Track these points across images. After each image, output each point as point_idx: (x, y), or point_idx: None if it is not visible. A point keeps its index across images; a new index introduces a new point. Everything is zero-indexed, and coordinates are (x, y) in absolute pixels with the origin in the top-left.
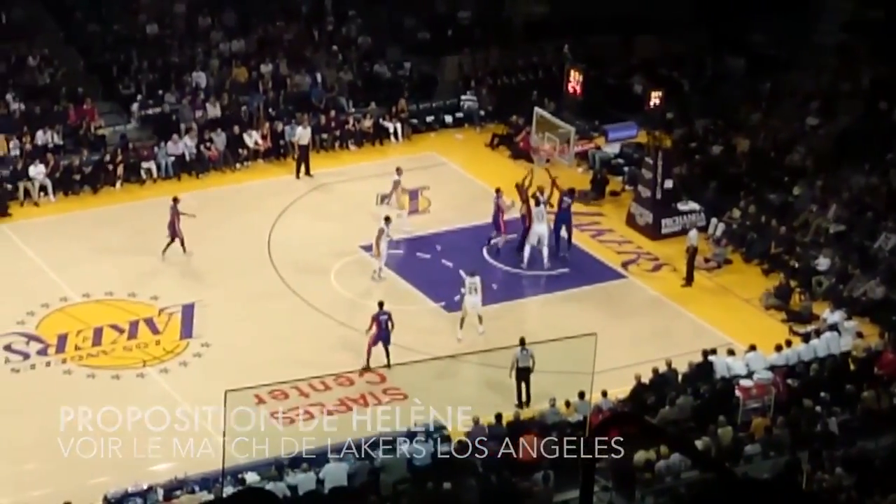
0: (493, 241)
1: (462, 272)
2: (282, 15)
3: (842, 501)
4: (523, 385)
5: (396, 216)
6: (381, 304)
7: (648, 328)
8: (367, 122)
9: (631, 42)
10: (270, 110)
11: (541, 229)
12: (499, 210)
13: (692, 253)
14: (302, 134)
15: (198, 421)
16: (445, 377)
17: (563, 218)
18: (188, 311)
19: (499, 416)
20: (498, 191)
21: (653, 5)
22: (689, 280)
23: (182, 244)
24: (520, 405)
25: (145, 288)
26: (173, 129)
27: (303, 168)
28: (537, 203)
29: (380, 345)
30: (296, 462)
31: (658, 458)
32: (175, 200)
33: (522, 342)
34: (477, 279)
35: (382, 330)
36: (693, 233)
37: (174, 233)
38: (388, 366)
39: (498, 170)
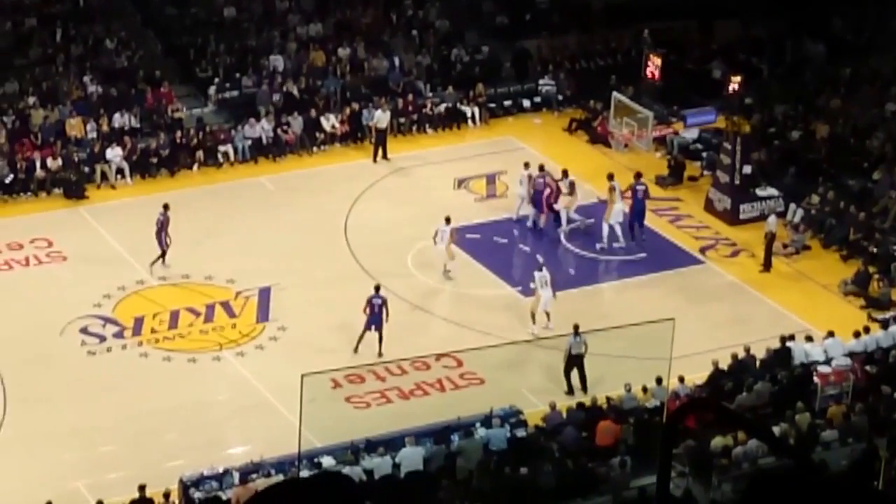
0: (574, 225)
1: (538, 264)
2: None
3: None
4: (576, 372)
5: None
6: (377, 288)
7: (726, 314)
8: (444, 107)
9: (710, 27)
10: (348, 94)
11: (619, 207)
12: (543, 189)
13: (770, 239)
14: (380, 118)
15: (273, 404)
16: (523, 362)
17: (637, 204)
18: (265, 295)
19: (580, 403)
20: (542, 168)
21: None
22: (767, 266)
23: (164, 255)
24: (570, 392)
25: (222, 271)
26: (250, 112)
27: (380, 152)
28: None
29: (373, 329)
30: (372, 446)
31: (735, 444)
32: (165, 208)
33: (576, 329)
34: (546, 273)
35: (374, 314)
36: (772, 219)
37: (162, 242)
38: (380, 353)
39: (575, 154)
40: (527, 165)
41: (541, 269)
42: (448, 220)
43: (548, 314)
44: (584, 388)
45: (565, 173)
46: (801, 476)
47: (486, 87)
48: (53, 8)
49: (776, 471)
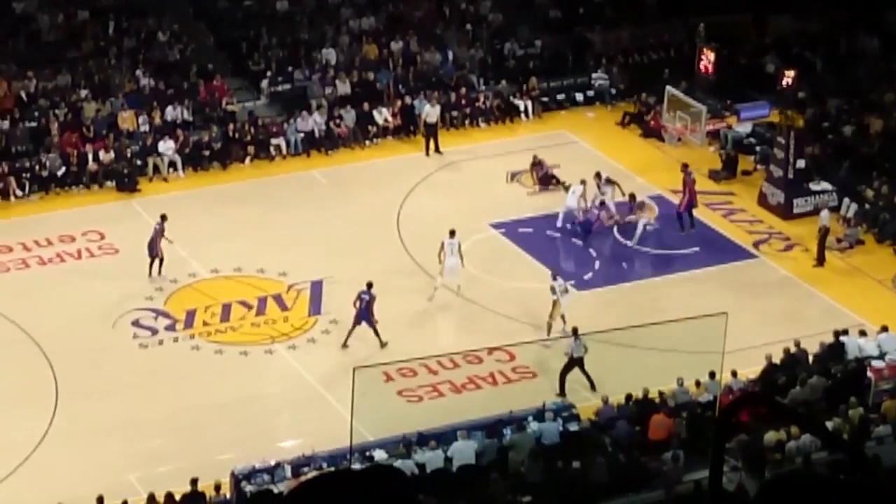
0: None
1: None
2: None
3: None
4: (580, 375)
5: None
6: (369, 285)
7: (779, 308)
8: (497, 100)
9: (764, 21)
10: (400, 87)
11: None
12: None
13: (824, 233)
14: (431, 112)
15: (325, 397)
16: None
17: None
18: (317, 288)
19: (629, 395)
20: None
21: None
22: (820, 261)
23: (159, 265)
24: (562, 394)
25: (274, 264)
26: (303, 105)
27: (432, 146)
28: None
29: (362, 324)
30: (424, 440)
31: (788, 438)
32: (163, 218)
33: (575, 332)
34: (562, 281)
35: (362, 310)
36: (825, 213)
37: (154, 251)
38: (382, 344)
39: (629, 148)
40: (599, 175)
41: (555, 279)
42: (452, 233)
43: (563, 317)
44: (593, 388)
45: (598, 175)
46: (814, 477)
47: (539, 81)
48: (106, 1)
49: (791, 473)
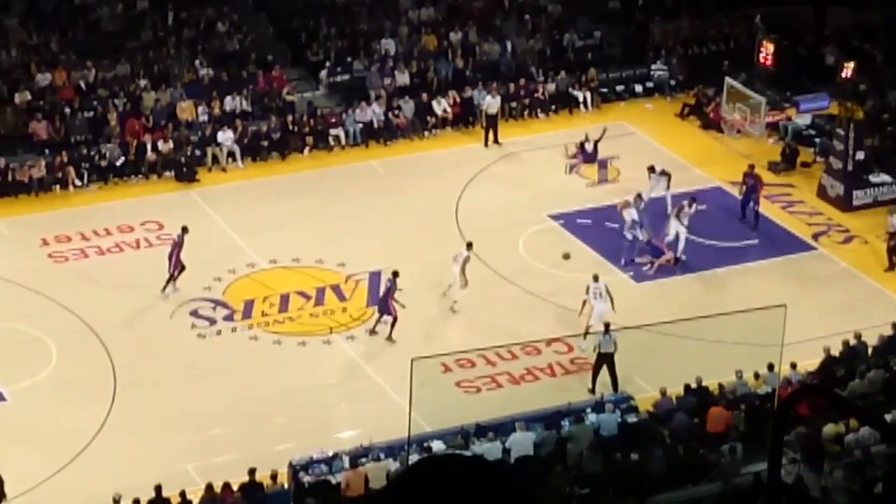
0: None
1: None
2: None
3: None
4: (605, 369)
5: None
6: (395, 273)
7: (838, 300)
8: (556, 91)
9: (824, 12)
10: (460, 78)
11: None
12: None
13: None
14: (491, 103)
15: (383, 388)
16: (634, 348)
17: (747, 193)
18: (375, 279)
19: (687, 387)
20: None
21: None
22: (891, 266)
23: (175, 278)
24: (593, 391)
25: (332, 255)
26: (362, 96)
27: (491, 136)
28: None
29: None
30: (482, 431)
31: (847, 431)
32: (184, 230)
33: (607, 328)
34: (601, 284)
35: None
36: (894, 219)
37: (177, 263)
38: (389, 337)
39: (687, 140)
40: (652, 169)
41: (596, 280)
42: (469, 246)
43: (606, 325)
44: (615, 387)
45: (652, 168)
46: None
47: (598, 72)
48: None
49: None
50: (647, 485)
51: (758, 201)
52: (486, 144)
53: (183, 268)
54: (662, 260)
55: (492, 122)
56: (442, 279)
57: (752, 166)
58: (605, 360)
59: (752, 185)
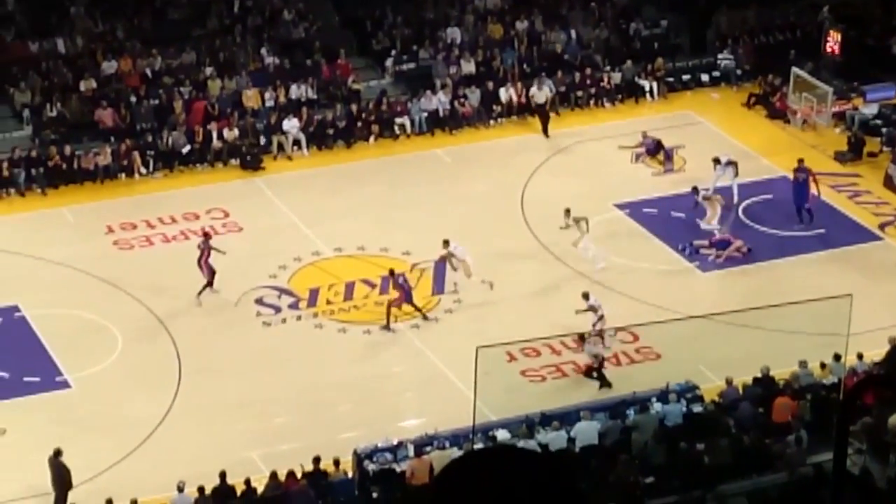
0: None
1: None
2: None
3: None
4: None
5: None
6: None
7: None
8: (622, 80)
9: (891, 2)
10: (525, 67)
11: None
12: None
13: None
14: (538, 94)
15: (448, 377)
16: (699, 337)
17: (799, 190)
18: (440, 267)
19: (753, 377)
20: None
21: None
22: None
23: (210, 282)
24: (606, 385)
25: (398, 243)
26: (427, 84)
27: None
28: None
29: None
30: (546, 420)
31: None
32: (206, 236)
33: (601, 334)
34: (594, 300)
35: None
36: None
37: (208, 269)
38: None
39: (754, 130)
40: (717, 161)
41: (587, 298)
42: (446, 243)
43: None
44: (603, 386)
45: (717, 160)
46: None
47: (665, 62)
48: None
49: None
50: (711, 475)
51: (808, 197)
52: (545, 135)
53: (214, 272)
54: (732, 249)
55: (541, 113)
56: (506, 268)
57: (801, 161)
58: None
59: (802, 180)
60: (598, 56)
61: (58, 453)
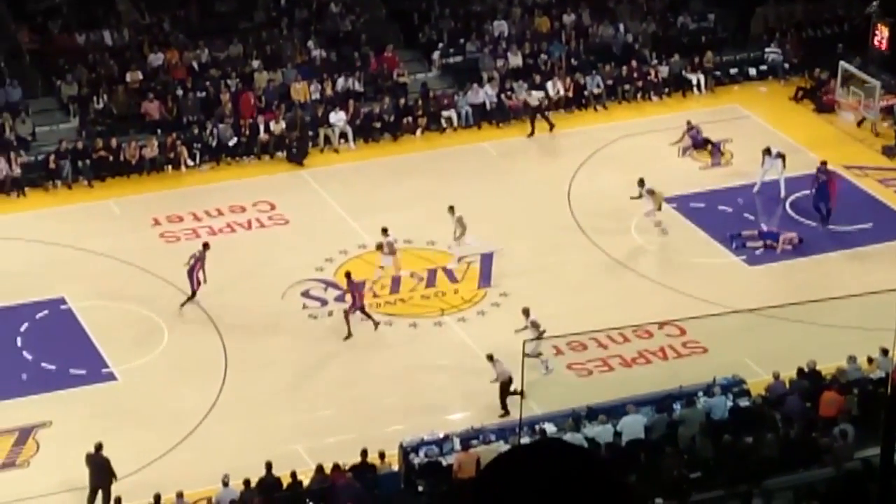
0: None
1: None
2: None
3: None
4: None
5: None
6: (347, 275)
7: None
8: (669, 74)
9: None
10: (572, 60)
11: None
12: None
13: None
14: (529, 97)
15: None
16: (746, 331)
17: (820, 190)
18: (487, 261)
19: (800, 371)
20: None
21: None
22: None
23: (194, 295)
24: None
25: (444, 236)
26: (474, 77)
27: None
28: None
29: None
30: (593, 414)
31: None
32: (205, 247)
33: (490, 357)
34: (534, 316)
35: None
36: None
37: (197, 281)
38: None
39: (802, 124)
40: (768, 151)
41: (527, 315)
42: (385, 231)
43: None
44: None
45: (768, 151)
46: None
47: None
48: None
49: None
50: (758, 469)
51: (830, 198)
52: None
53: (199, 283)
54: (784, 241)
55: (532, 114)
56: (552, 261)
57: (824, 162)
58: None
59: (823, 181)
60: (645, 49)
61: (98, 447)
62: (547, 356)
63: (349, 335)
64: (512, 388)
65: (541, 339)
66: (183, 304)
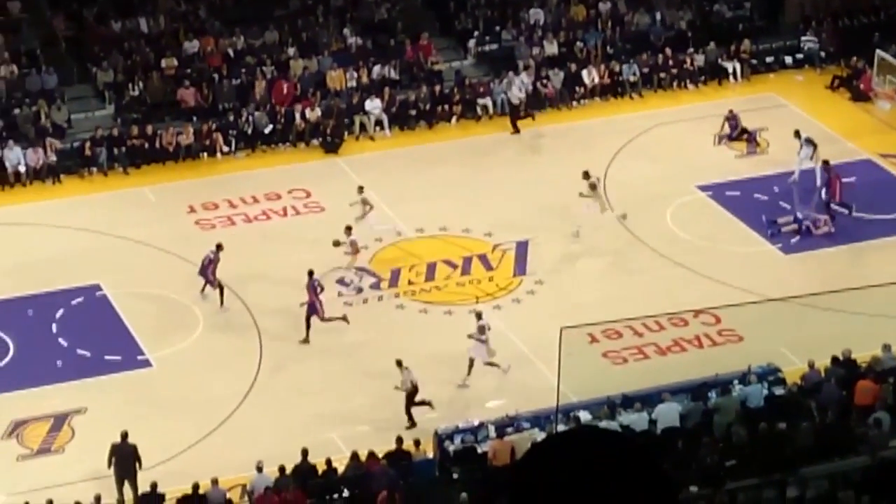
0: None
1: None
2: None
3: None
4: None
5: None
6: (310, 273)
7: None
8: (705, 62)
9: None
10: (608, 48)
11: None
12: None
13: None
14: (512, 94)
15: (529, 358)
16: (781, 319)
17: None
18: (522, 248)
19: (835, 359)
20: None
21: None
22: None
23: (207, 288)
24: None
25: (479, 224)
26: (510, 65)
27: (525, 122)
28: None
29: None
30: (628, 402)
31: None
32: (218, 248)
33: (399, 364)
34: (484, 321)
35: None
36: None
37: (209, 279)
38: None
39: (838, 112)
40: (797, 134)
41: (479, 318)
42: (347, 231)
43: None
44: (411, 425)
45: (797, 134)
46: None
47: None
48: None
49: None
50: (794, 457)
51: (834, 194)
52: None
53: (210, 282)
54: (822, 226)
55: (511, 111)
56: (588, 249)
57: (825, 161)
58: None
59: (826, 179)
60: (681, 38)
61: (125, 436)
62: (507, 361)
63: (306, 339)
64: (419, 399)
65: (484, 344)
66: (201, 292)
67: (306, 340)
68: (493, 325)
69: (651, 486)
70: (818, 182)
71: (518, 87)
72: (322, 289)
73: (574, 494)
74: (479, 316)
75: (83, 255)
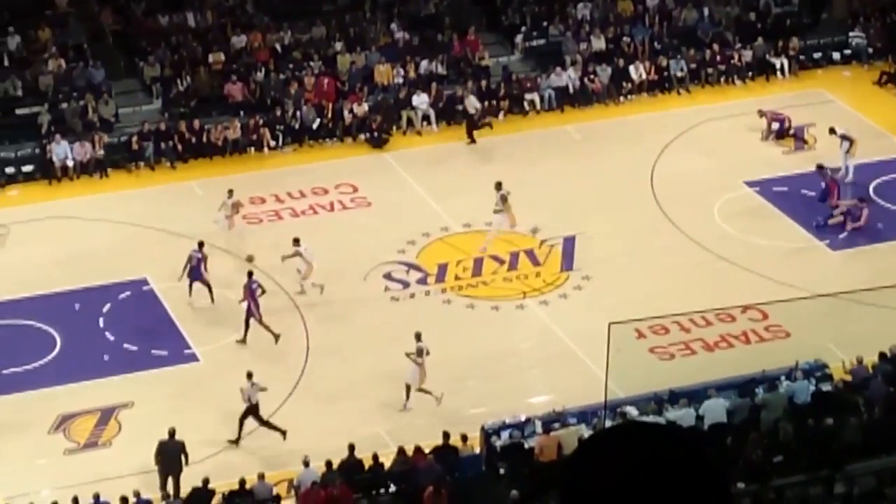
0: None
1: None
2: None
3: None
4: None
5: None
6: (250, 274)
7: None
8: (752, 58)
9: None
10: (655, 44)
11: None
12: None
13: None
14: (468, 103)
15: (576, 353)
16: (829, 315)
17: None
18: (569, 244)
19: (882, 355)
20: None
21: None
22: None
23: (209, 293)
24: (237, 441)
25: (526, 219)
26: (557, 61)
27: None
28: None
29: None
30: (675, 397)
31: None
32: (200, 245)
33: (250, 376)
34: (423, 344)
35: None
36: None
37: (197, 278)
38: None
39: (885, 108)
40: (832, 131)
41: (419, 339)
42: (296, 242)
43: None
44: (237, 439)
45: (832, 131)
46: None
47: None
48: None
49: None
50: (841, 453)
51: (833, 195)
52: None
53: (202, 282)
54: (861, 217)
55: (469, 121)
56: (635, 244)
57: (819, 165)
58: (252, 411)
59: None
60: (729, 33)
61: (172, 433)
62: (439, 391)
63: (276, 339)
64: (260, 418)
65: (420, 367)
66: (189, 294)
67: (243, 341)
68: (539, 321)
69: (704, 480)
70: (849, 177)
71: (475, 96)
72: (263, 291)
73: (627, 490)
74: (418, 337)
75: (130, 250)
